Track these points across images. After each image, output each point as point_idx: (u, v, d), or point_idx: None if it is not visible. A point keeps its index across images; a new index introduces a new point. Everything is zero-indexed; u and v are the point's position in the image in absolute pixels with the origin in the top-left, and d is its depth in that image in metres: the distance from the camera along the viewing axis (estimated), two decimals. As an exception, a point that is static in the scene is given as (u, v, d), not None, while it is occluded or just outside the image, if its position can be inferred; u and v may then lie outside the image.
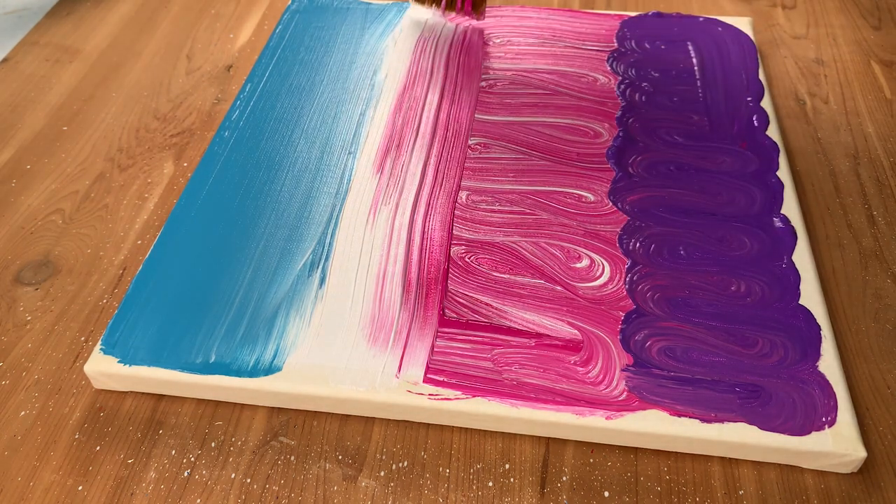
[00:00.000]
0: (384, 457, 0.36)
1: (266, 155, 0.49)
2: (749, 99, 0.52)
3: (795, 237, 0.43)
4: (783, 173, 0.47)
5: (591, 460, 0.36)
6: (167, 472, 0.35)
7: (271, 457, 0.36)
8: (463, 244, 0.43)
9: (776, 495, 0.34)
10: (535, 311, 0.40)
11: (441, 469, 0.35)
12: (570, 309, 0.40)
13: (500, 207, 0.45)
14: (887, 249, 0.45)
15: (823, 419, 0.35)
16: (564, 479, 0.35)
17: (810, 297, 0.40)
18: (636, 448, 0.36)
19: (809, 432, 0.34)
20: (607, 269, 0.42)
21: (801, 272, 0.41)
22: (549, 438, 0.36)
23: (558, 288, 0.41)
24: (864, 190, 0.48)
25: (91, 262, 0.45)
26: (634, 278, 0.41)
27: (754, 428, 0.35)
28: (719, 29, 0.59)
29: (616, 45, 0.58)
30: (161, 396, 0.38)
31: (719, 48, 0.57)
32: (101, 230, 0.47)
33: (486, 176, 0.47)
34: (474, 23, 0.60)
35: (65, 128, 0.54)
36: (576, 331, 0.39)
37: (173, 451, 0.36)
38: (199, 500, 0.34)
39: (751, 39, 0.58)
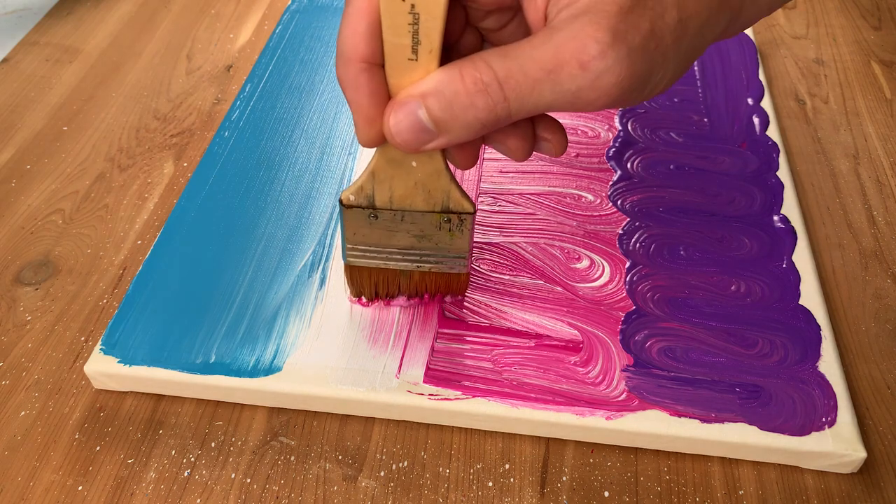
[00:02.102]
0: (384, 457, 0.36)
1: (266, 155, 0.49)
2: (749, 99, 0.52)
3: (795, 237, 0.43)
4: (783, 173, 0.47)
5: (591, 460, 0.36)
6: (167, 472, 0.35)
7: (271, 457, 0.36)
8: (463, 244, 0.43)
9: (776, 495, 0.34)
10: (535, 311, 0.40)
11: (441, 469, 0.35)
12: (570, 309, 0.40)
13: (499, 208, 0.45)
14: (887, 249, 0.45)
15: (823, 419, 0.35)
16: (564, 479, 0.35)
17: (810, 297, 0.40)
18: (636, 448, 0.36)
19: (809, 432, 0.34)
20: (607, 269, 0.42)
21: (801, 272, 0.41)
22: (549, 438, 0.36)
23: (558, 288, 0.41)
24: (864, 190, 0.48)
25: (91, 262, 0.45)
26: (634, 279, 0.41)
27: (754, 428, 0.35)
28: (719, 29, 0.59)
29: (616, 45, 0.58)
30: (161, 396, 0.38)
31: (719, 48, 0.57)
32: (101, 230, 0.47)
33: (486, 176, 0.47)
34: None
35: (65, 128, 0.54)
36: (576, 331, 0.39)
37: (173, 451, 0.36)
38: (199, 500, 0.34)
39: (751, 39, 0.58)
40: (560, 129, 0.31)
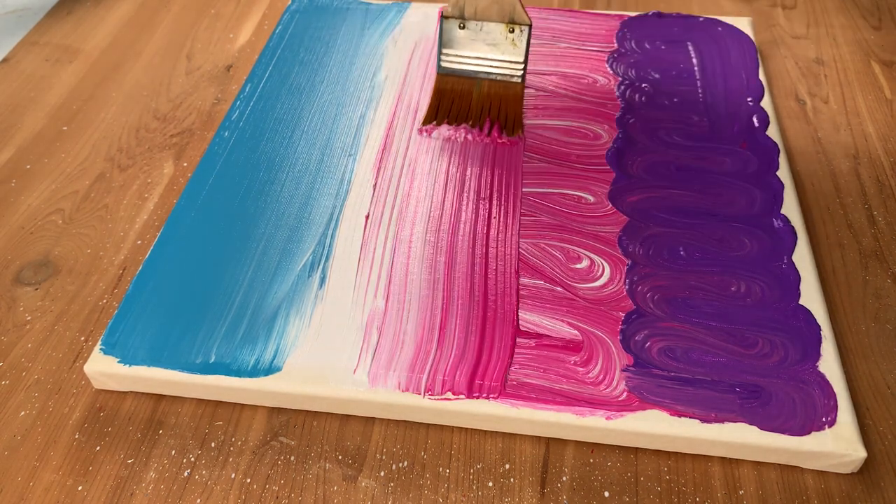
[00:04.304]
0: (384, 457, 0.36)
1: (266, 155, 0.49)
2: (749, 99, 0.52)
3: (795, 237, 0.43)
4: (783, 173, 0.47)
5: (592, 460, 0.36)
6: (167, 472, 0.35)
7: (271, 457, 0.36)
8: (463, 244, 0.43)
9: (776, 495, 0.34)
10: (535, 311, 0.40)
11: (441, 469, 0.35)
12: (571, 309, 0.40)
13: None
14: (887, 249, 0.45)
15: (823, 419, 0.35)
16: (564, 479, 0.35)
17: (810, 297, 0.40)
18: (636, 448, 0.36)
19: (809, 432, 0.34)
20: (607, 269, 0.42)
21: (801, 272, 0.41)
22: (549, 438, 0.36)
23: (558, 288, 0.41)
24: (865, 190, 0.48)
25: (91, 262, 0.45)
26: (634, 279, 0.41)
27: (754, 428, 0.35)
28: (719, 29, 0.59)
29: (616, 45, 0.58)
30: (161, 396, 0.38)
31: (719, 48, 0.57)
32: (100, 230, 0.47)
33: (486, 176, 0.47)
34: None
35: (65, 128, 0.54)
36: (576, 331, 0.39)
37: (173, 451, 0.36)
38: (199, 500, 0.34)
39: (751, 39, 0.58)
40: None
